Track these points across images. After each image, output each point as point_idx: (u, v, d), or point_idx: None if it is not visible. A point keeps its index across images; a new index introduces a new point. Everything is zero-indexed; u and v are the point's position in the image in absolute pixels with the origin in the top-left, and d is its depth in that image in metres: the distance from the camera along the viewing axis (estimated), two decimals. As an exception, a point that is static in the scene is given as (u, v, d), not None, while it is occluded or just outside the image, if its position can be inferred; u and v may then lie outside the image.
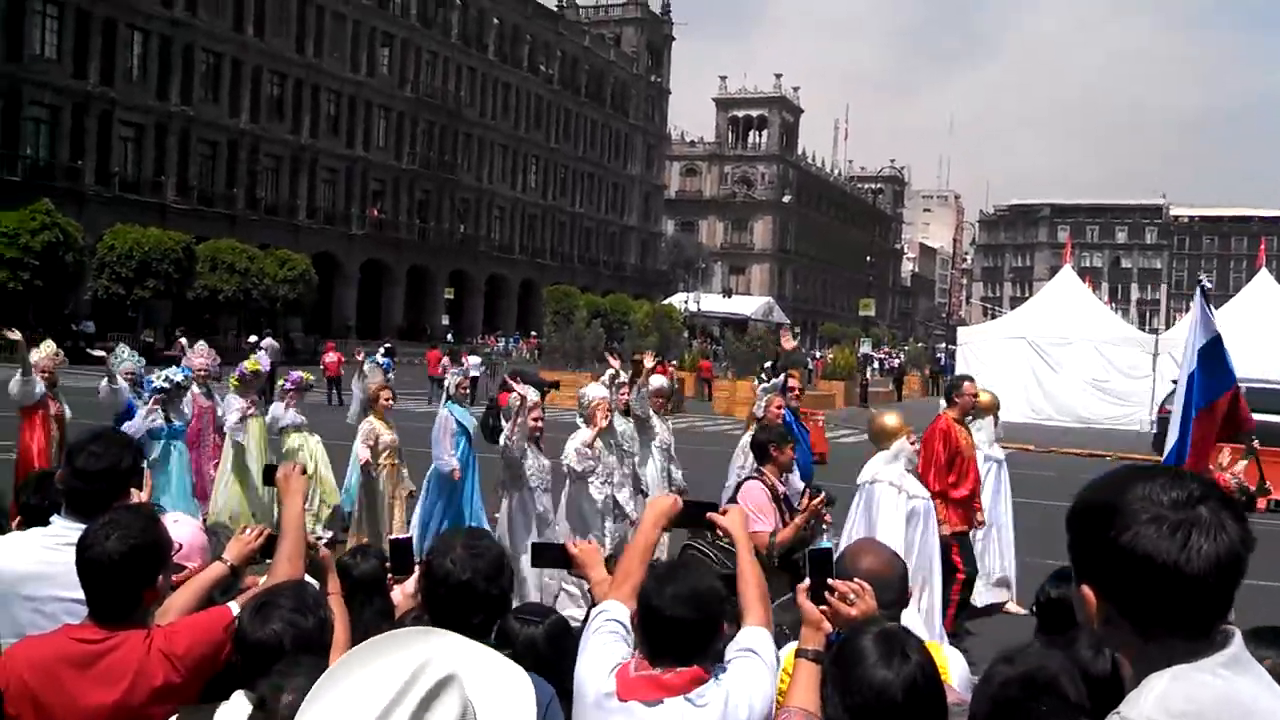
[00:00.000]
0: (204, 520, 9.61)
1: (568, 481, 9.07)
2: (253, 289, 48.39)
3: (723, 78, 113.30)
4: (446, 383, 10.93)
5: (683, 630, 2.78)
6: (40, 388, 10.22)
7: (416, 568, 3.49)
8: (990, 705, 2.10)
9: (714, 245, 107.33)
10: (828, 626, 2.78)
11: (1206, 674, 1.65)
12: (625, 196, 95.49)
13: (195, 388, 10.72)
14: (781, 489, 6.82)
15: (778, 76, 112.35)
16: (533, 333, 68.18)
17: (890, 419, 7.92)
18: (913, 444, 7.70)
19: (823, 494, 6.24)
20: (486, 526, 9.74)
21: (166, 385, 10.06)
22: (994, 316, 70.13)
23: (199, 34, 54.99)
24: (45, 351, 10.76)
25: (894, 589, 3.12)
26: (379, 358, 12.10)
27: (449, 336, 59.46)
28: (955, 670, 3.11)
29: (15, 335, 10.36)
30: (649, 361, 10.14)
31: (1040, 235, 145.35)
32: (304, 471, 3.59)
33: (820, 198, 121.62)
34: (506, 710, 1.87)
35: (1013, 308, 53.35)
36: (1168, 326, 62.69)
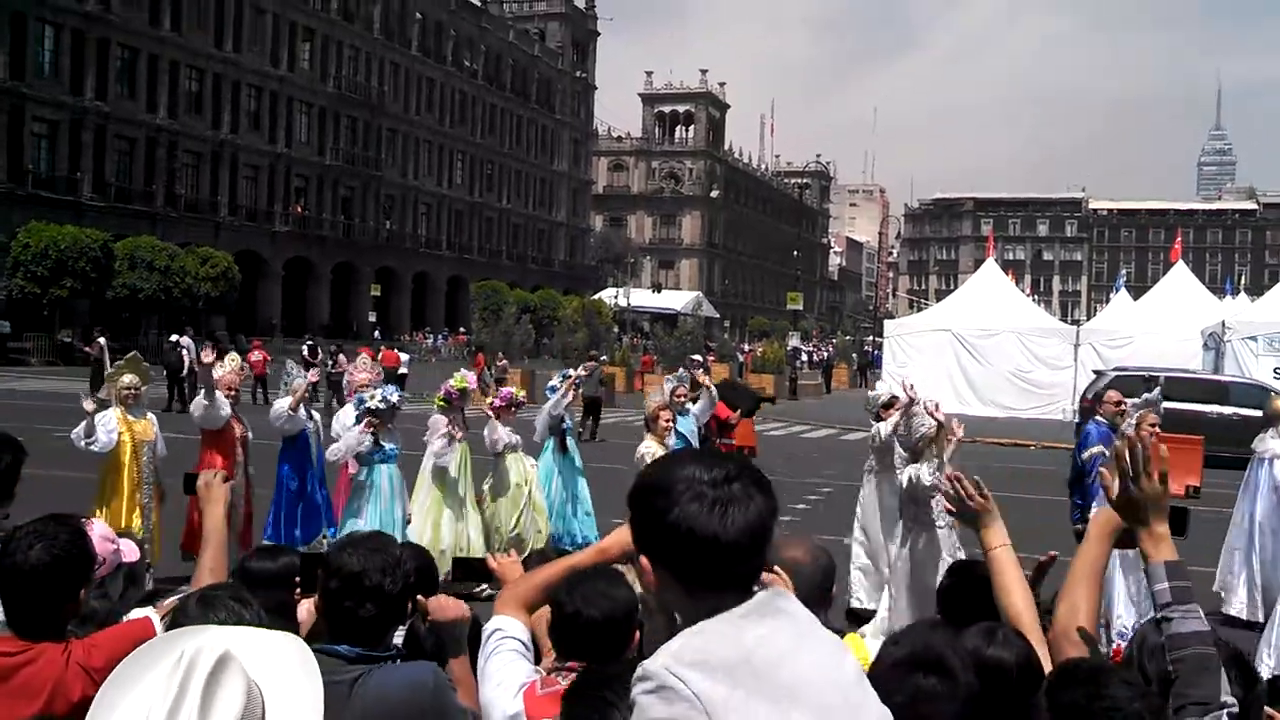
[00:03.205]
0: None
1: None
2: (174, 287, 47.46)
3: (648, 73, 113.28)
4: (665, 387, 10.81)
5: (589, 631, 2.77)
6: (226, 410, 9.27)
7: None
8: (880, 685, 2.12)
9: (642, 240, 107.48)
10: None
11: (722, 624, 1.80)
12: (552, 192, 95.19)
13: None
14: None
15: (703, 72, 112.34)
16: (461, 329, 67.68)
17: None
18: None
19: None
20: None
21: (383, 405, 9.43)
22: (920, 309, 71.02)
23: (113, 28, 53.73)
24: (229, 366, 9.77)
25: (811, 582, 3.00)
26: (582, 370, 12.00)
27: (376, 334, 58.88)
28: None
29: (210, 357, 9.23)
30: None
31: (964, 229, 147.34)
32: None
33: (747, 193, 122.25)
34: (290, 682, 1.86)
35: (938, 300, 54.13)
36: (1089, 318, 64.01)
